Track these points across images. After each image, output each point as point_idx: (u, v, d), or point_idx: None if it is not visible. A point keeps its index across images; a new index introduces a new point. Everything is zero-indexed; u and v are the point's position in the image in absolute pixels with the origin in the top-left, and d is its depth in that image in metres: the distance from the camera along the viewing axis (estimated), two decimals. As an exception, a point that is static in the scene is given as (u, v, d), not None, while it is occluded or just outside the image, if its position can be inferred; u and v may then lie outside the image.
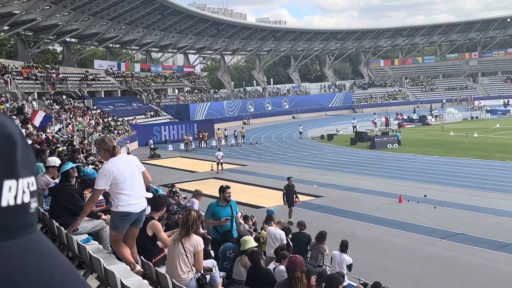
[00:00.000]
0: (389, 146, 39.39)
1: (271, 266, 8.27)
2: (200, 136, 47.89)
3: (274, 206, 18.96)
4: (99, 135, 38.11)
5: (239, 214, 9.33)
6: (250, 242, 7.35)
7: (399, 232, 17.41)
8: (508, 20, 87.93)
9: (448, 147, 37.44)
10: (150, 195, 7.54)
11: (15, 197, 0.69)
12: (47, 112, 35.66)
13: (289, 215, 18.57)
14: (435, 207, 20.18)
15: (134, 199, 5.52)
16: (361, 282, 9.85)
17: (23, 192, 0.70)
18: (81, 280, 0.72)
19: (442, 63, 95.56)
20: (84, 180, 7.51)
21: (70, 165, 6.99)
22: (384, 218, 19.17)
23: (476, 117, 61.23)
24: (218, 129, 49.34)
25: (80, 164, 7.99)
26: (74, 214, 6.49)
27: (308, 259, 10.62)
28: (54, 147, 15.22)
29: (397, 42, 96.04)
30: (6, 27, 52.36)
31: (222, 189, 9.04)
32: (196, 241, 5.76)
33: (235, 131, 48.12)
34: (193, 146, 45.38)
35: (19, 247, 0.67)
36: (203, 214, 8.93)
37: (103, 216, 7.48)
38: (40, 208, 7.46)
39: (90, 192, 7.60)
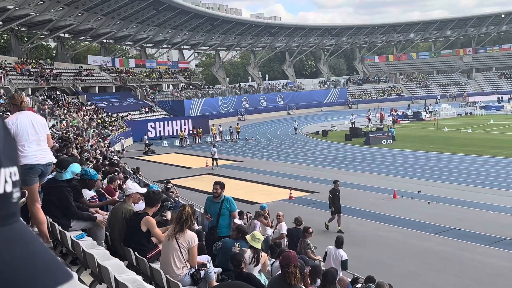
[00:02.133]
0: (384, 142, 39.50)
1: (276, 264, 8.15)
2: (194, 133, 47.84)
3: (268, 202, 19.02)
4: (94, 131, 38.00)
5: (235, 212, 8.90)
6: (260, 241, 7.24)
7: (393, 228, 17.47)
8: (503, 16, 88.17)
9: (442, 143, 37.57)
10: (144, 189, 7.54)
11: None
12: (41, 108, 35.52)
13: (338, 222, 17.03)
14: (429, 203, 20.25)
15: (36, 152, 5.57)
16: (355, 276, 9.87)
17: (5, 181, 0.70)
18: (65, 268, 0.72)
19: (436, 59, 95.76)
20: (83, 180, 7.49)
21: (77, 167, 7.00)
22: (379, 213, 19.23)
23: (470, 113, 61.44)
24: (213, 125, 49.30)
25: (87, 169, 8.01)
26: (66, 215, 6.52)
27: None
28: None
29: (391, 38, 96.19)
30: (-1, 23, 52.04)
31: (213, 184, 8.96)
32: (190, 237, 5.76)
33: (230, 127, 48.10)
34: (188, 142, 45.38)
35: (3, 236, 0.67)
36: (199, 210, 8.92)
37: (99, 215, 7.47)
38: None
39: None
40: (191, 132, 48.73)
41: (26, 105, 5.79)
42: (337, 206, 17.18)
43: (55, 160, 6.05)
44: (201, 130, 47.95)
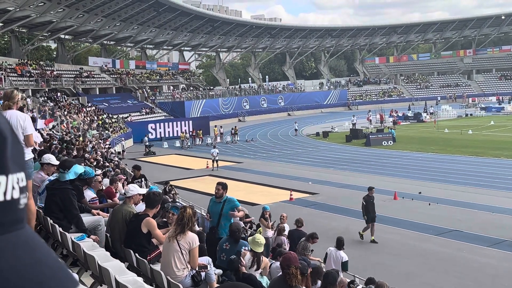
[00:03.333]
0: (384, 143, 39.49)
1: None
2: (194, 134, 47.87)
3: (269, 203, 18.99)
4: (95, 132, 38.01)
5: (236, 212, 8.68)
6: (262, 244, 7.16)
7: (394, 229, 17.45)
8: (503, 17, 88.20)
9: (442, 144, 37.56)
10: (145, 190, 7.54)
11: (5, 193, 0.68)
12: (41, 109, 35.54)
13: (371, 232, 16.09)
14: (429, 204, 20.24)
15: None
16: (356, 278, 9.87)
17: (13, 187, 0.70)
18: (71, 275, 0.71)
19: (436, 61, 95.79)
20: (83, 179, 7.53)
21: (80, 168, 7.03)
22: (379, 215, 19.13)
23: (471, 114, 61.44)
24: (215, 126, 49.34)
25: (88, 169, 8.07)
26: (66, 217, 6.54)
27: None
28: (48, 144, 15.16)
29: (392, 39, 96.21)
30: (0, 24, 52.06)
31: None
32: (191, 238, 5.76)
33: (232, 128, 48.15)
34: (189, 144, 45.40)
35: (9, 242, 0.67)
36: (199, 211, 8.90)
37: (100, 213, 7.48)
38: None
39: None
40: (190, 133, 48.75)
41: (7, 105, 5.55)
42: (371, 215, 16.13)
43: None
44: (201, 131, 47.98)
